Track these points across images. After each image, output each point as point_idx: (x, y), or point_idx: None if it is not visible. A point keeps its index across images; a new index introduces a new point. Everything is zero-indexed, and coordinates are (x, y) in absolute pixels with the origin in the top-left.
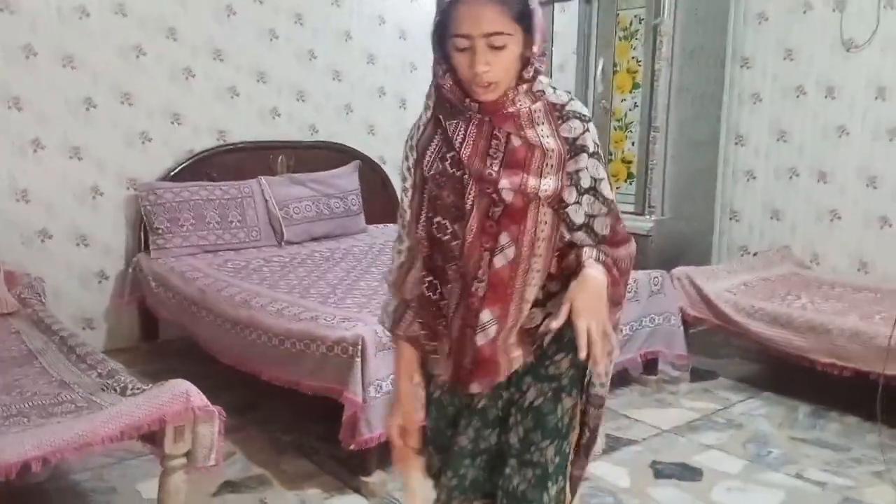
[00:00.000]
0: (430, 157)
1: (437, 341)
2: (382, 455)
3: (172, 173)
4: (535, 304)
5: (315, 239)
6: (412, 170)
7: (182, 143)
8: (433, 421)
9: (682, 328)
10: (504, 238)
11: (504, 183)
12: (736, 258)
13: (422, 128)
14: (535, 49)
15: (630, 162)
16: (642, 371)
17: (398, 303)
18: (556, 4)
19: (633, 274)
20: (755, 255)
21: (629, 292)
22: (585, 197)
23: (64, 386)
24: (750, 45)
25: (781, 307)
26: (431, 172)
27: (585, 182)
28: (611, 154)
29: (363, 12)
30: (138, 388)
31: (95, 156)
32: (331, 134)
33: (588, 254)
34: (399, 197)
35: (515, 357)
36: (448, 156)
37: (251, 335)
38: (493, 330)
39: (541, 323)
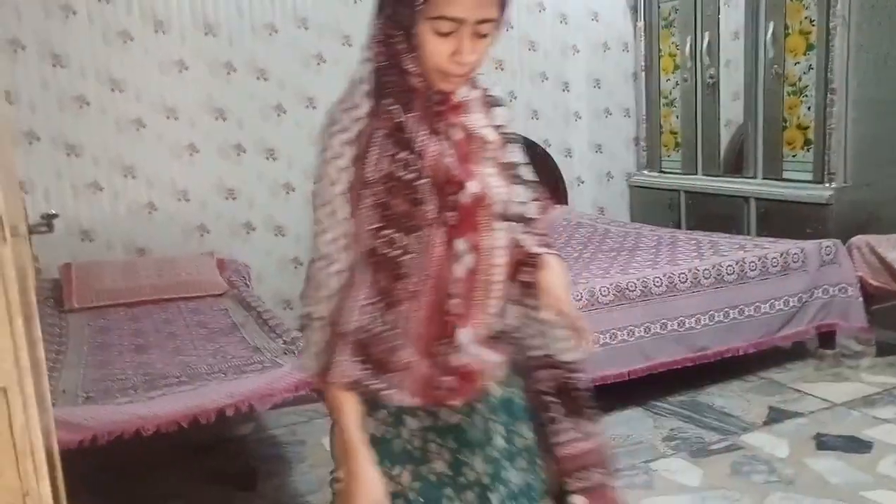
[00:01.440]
0: (374, 155)
1: (386, 375)
2: None
3: None
4: None
5: None
6: (348, 170)
7: None
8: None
9: (861, 300)
10: (461, 245)
11: (472, 185)
12: None
13: (361, 119)
14: (498, 33)
15: (806, 128)
16: (819, 345)
17: (329, 340)
18: None
19: (802, 243)
20: None
21: (796, 262)
22: (517, 188)
23: (256, 351)
24: None
25: None
26: (377, 176)
27: (516, 172)
28: (785, 121)
29: (523, 0)
30: None
31: (286, 155)
32: None
33: (531, 242)
34: (332, 200)
35: (493, 361)
36: (400, 156)
37: None
38: (471, 347)
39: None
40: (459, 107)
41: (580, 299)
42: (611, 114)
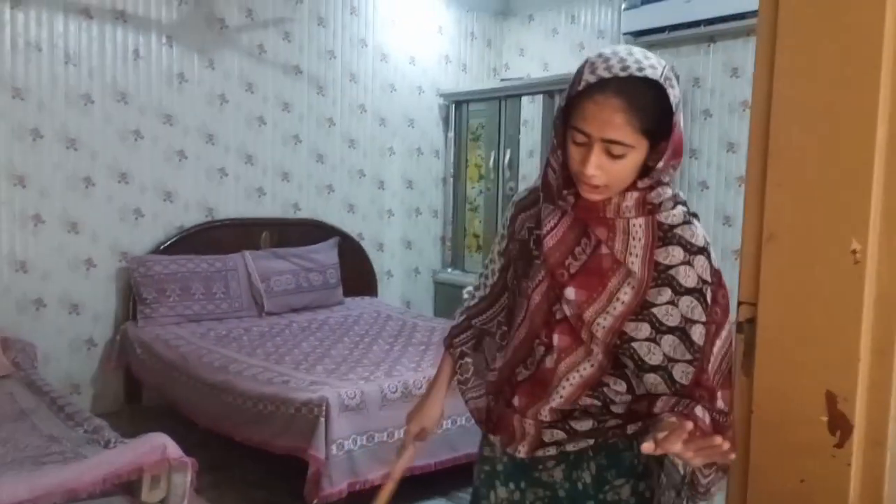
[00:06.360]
0: (521, 223)
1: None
2: None
3: (162, 247)
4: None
5: (294, 310)
6: (507, 224)
7: (172, 220)
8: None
9: None
10: (557, 340)
11: (569, 292)
12: None
13: (530, 193)
14: (661, 164)
15: None
16: None
17: (462, 321)
18: (525, 97)
19: None
20: None
21: None
22: (668, 337)
23: (53, 440)
24: (696, 138)
25: None
26: (518, 237)
27: (671, 321)
28: None
29: (346, 102)
30: (120, 441)
31: (91, 230)
32: (312, 212)
33: (700, 412)
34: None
35: (532, 434)
36: (535, 232)
37: (227, 398)
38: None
39: (574, 409)
40: (609, 223)
41: (395, 391)
42: (421, 213)
